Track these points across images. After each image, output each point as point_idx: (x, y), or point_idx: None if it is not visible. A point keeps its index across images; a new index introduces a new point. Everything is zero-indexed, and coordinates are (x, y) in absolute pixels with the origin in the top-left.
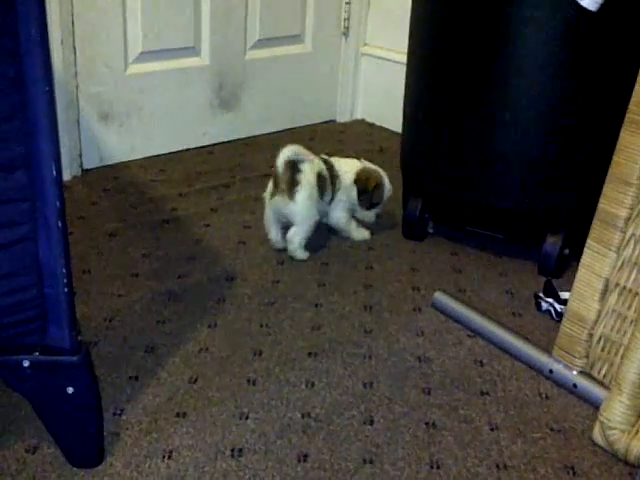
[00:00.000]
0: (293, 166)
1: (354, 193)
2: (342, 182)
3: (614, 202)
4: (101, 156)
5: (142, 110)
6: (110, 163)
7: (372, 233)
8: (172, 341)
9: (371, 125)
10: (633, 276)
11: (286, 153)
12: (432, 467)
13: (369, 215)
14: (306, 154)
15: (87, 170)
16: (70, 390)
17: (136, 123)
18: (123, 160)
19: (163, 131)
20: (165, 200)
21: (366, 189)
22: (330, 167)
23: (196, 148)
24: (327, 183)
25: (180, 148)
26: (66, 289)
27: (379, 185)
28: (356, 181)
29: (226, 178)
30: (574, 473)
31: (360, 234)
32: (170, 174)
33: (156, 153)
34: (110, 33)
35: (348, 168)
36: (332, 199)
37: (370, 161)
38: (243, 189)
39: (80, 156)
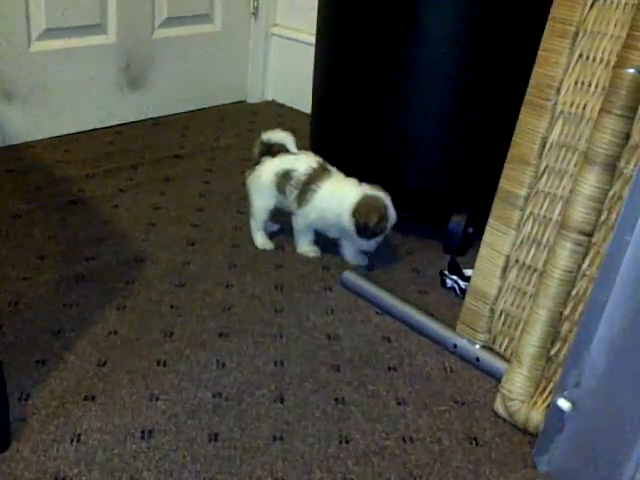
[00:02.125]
0: (268, 148)
1: (350, 226)
2: (316, 198)
3: (514, 181)
4: (4, 136)
5: (46, 89)
6: (13, 143)
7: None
8: (80, 324)
9: (282, 106)
10: (532, 253)
11: (269, 135)
12: (341, 442)
13: (371, 245)
14: (291, 146)
15: None
16: None
17: (40, 102)
18: (27, 140)
19: (69, 110)
20: (71, 181)
21: (367, 225)
22: (310, 176)
23: (103, 128)
24: (291, 185)
25: (87, 128)
26: None
27: (381, 217)
28: (355, 214)
29: (134, 159)
30: (477, 443)
31: (307, 251)
32: (76, 154)
33: (62, 133)
34: (11, 9)
35: (344, 193)
36: (299, 205)
37: None
38: (152, 170)
39: None
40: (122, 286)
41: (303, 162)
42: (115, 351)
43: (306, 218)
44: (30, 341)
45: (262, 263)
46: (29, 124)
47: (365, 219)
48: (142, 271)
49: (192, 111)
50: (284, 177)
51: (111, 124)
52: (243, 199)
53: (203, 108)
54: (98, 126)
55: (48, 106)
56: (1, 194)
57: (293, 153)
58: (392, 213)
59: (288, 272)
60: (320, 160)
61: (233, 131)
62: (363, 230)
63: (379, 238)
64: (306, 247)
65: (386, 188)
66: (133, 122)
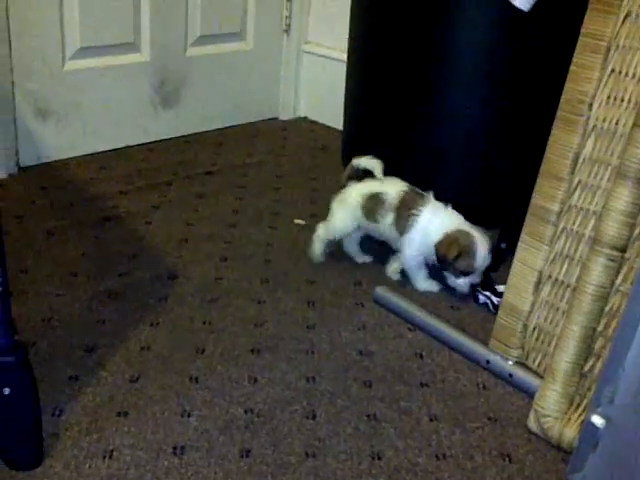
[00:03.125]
0: (356, 173)
1: (434, 255)
2: (420, 222)
3: (546, 197)
4: (39, 154)
5: (81, 107)
6: (48, 161)
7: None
8: (113, 340)
9: (314, 123)
10: (565, 269)
11: (360, 160)
12: (373, 459)
13: (459, 284)
14: (378, 172)
15: (24, 168)
16: (7, 391)
17: (75, 120)
18: (62, 158)
19: (103, 128)
20: (105, 198)
21: (445, 258)
22: (405, 201)
23: (137, 145)
24: (381, 208)
25: (120, 145)
26: (1, 288)
27: (464, 254)
28: (437, 244)
29: (168, 175)
30: (510, 460)
31: (428, 286)
32: (110, 172)
33: (95, 150)
34: (46, 28)
35: (439, 225)
36: (401, 233)
37: (313, 158)
38: (184, 187)
39: (16, 153)
40: (155, 302)
41: (393, 186)
42: (148, 367)
43: (412, 244)
44: (63, 357)
45: (294, 279)
46: (63, 141)
47: (445, 251)
48: (175, 287)
49: (224, 128)
50: (371, 200)
51: (144, 141)
52: (275, 215)
53: (235, 125)
54: (131, 143)
55: (82, 123)
56: (35, 211)
57: (379, 179)
58: (482, 254)
59: (320, 288)
60: (409, 185)
61: (265, 148)
62: (443, 262)
63: (471, 278)
64: (424, 283)
65: None
66: (166, 139)
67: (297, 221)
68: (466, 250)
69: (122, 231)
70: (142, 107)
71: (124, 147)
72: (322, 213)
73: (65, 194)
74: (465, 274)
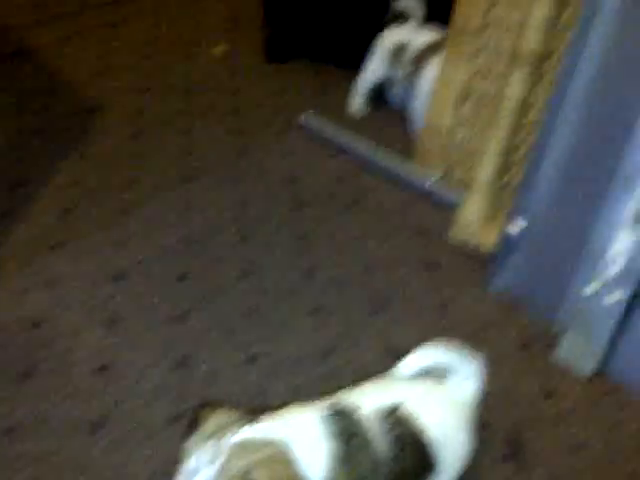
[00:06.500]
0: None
1: None
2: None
3: (468, 14)
4: None
5: None
6: None
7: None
8: (40, 176)
9: None
10: (485, 84)
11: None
12: (306, 275)
13: None
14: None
15: None
16: None
17: None
18: None
19: None
20: (11, 31)
21: None
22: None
23: None
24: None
25: None
26: None
27: None
28: None
29: (76, 5)
30: (433, 269)
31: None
32: (14, 1)
33: None
34: None
35: None
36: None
37: None
38: (95, 16)
39: None
40: (79, 136)
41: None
42: (78, 200)
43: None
44: None
45: (219, 108)
46: None
47: None
48: (98, 120)
49: None
50: (397, 49)
51: None
52: (193, 43)
53: None
54: None
55: None
56: None
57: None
58: None
59: (245, 116)
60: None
61: None
62: None
63: None
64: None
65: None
66: None
67: (217, 49)
68: None
69: (35, 66)
70: None
71: None
72: (242, 39)
73: None
74: None
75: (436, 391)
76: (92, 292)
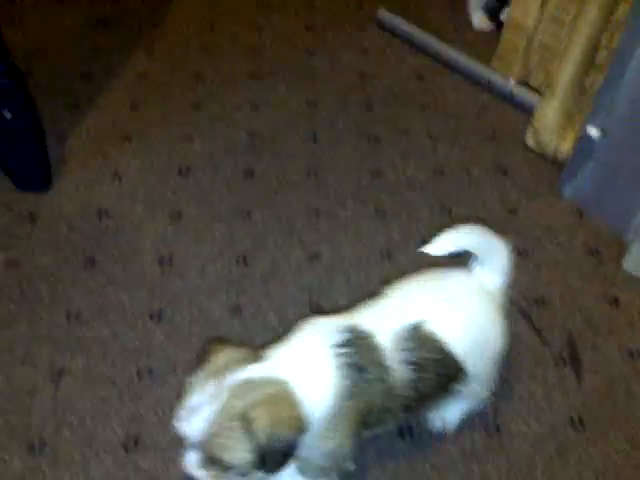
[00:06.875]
0: None
1: None
2: None
3: None
4: None
5: None
6: None
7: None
8: (109, 68)
9: None
10: None
11: None
12: (373, 176)
13: None
14: None
15: None
16: (9, 115)
17: None
18: None
19: None
20: None
21: None
22: None
23: None
24: None
25: None
26: None
27: None
28: None
29: None
30: (505, 173)
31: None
32: None
33: None
34: None
35: None
36: None
37: None
38: None
39: None
40: (149, 29)
41: None
42: (147, 94)
43: None
44: (61, 86)
45: (292, 2)
46: None
47: None
48: (168, 13)
49: None
50: None
51: None
52: None
53: None
54: None
55: None
56: None
57: None
58: None
59: (320, 11)
60: None
61: None
62: None
63: None
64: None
65: None
66: None
67: None
68: None
69: None
70: None
71: None
72: None
73: None
74: None
75: (461, 290)
76: (158, 185)
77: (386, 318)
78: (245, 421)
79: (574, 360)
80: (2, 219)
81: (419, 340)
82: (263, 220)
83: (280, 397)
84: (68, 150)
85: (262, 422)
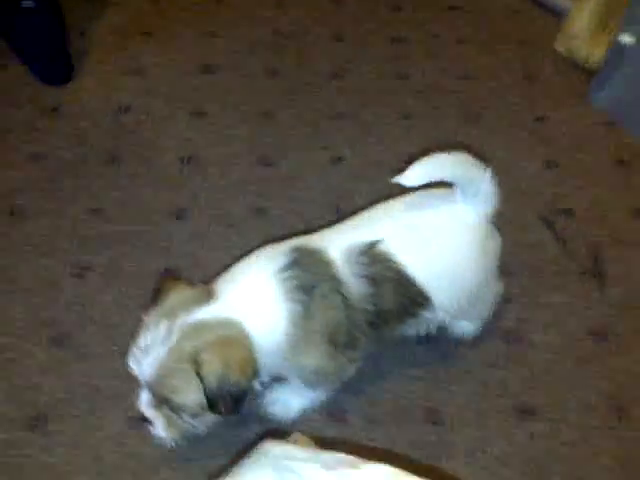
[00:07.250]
0: None
1: None
2: None
3: None
4: None
5: None
6: None
7: None
8: None
9: None
10: None
11: None
12: (399, 78)
13: None
14: None
15: None
16: (31, 4)
17: None
18: None
19: None
20: None
21: None
22: None
23: None
24: None
25: None
26: None
27: None
28: None
29: None
30: (534, 80)
31: None
32: None
33: None
34: None
35: None
36: None
37: None
38: None
39: None
40: None
41: None
42: None
43: None
44: None
45: None
46: None
47: None
48: None
49: None
50: None
51: None
52: None
53: None
54: None
55: None
56: None
57: None
58: None
59: None
60: None
61: None
62: None
63: None
64: None
65: None
66: None
67: None
68: None
69: None
70: None
71: None
72: None
73: None
74: None
75: (436, 220)
76: (180, 82)
77: (341, 236)
78: (195, 364)
79: (598, 272)
80: (27, 113)
81: (373, 257)
82: (287, 120)
83: (231, 339)
84: (89, 44)
85: (212, 366)
